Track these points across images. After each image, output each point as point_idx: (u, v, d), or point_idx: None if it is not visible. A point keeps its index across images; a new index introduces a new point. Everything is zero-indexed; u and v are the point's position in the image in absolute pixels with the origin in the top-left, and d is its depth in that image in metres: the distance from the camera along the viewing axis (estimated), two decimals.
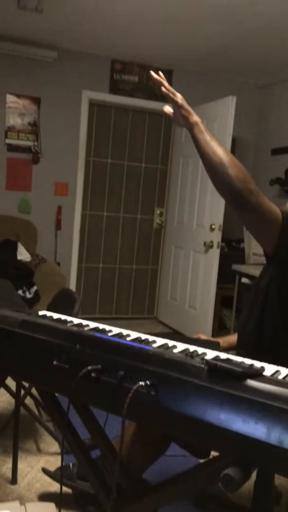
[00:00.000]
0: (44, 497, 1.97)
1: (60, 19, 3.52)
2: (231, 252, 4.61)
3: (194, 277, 4.34)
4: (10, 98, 4.14)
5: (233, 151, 4.71)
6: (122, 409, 1.04)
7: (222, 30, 3.51)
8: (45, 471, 1.96)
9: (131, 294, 4.98)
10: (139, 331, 1.50)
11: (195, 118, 1.52)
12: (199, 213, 4.27)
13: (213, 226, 4.02)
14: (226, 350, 1.78)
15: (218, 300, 4.23)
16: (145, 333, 1.45)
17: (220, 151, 1.43)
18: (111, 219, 4.79)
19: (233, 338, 1.89)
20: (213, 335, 3.94)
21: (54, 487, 2.04)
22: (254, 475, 1.87)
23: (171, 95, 1.52)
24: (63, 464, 2.04)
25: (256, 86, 4.86)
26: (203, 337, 1.83)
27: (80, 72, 4.31)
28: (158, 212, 4.94)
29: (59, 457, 2.26)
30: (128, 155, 4.74)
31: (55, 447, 2.36)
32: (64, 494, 1.90)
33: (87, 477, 1.50)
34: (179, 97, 1.53)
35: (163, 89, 1.53)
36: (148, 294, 5.04)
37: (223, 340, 1.86)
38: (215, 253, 4.03)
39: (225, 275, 4.15)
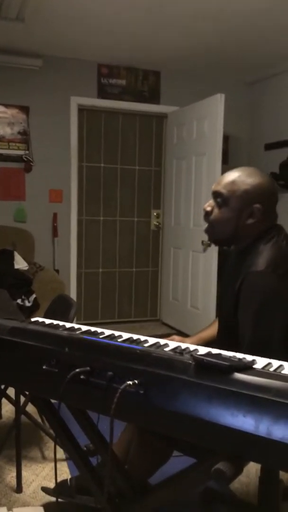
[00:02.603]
0: (49, 506, 1.96)
1: (42, 26, 3.53)
2: (230, 250, 4.59)
3: (194, 276, 4.33)
4: None
5: (226, 148, 4.70)
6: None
7: (206, 28, 3.51)
8: (44, 490, 1.95)
9: (133, 297, 4.97)
10: (142, 333, 1.49)
11: None
12: (195, 213, 4.26)
13: None
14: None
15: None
16: (148, 335, 1.44)
17: None
18: (108, 223, 4.78)
19: (205, 333, 1.86)
20: None
21: None
22: (259, 472, 1.86)
23: None
24: (67, 474, 2.03)
25: (245, 82, 4.85)
26: (176, 338, 1.70)
27: (67, 78, 4.31)
28: (155, 213, 4.93)
29: (64, 463, 2.25)
30: (121, 158, 4.74)
31: (59, 453, 2.35)
32: (69, 504, 1.89)
33: (85, 483, 1.48)
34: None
35: None
36: (150, 296, 5.03)
37: (196, 338, 1.82)
38: (213, 252, 4.02)
39: None
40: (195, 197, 4.28)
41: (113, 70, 4.46)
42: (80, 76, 4.36)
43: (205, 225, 1.63)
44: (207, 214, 1.59)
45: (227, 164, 4.76)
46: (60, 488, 1.83)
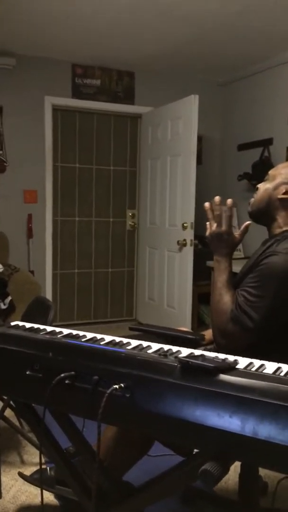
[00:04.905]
0: (28, 509, 1.94)
1: (15, 25, 3.48)
2: (205, 249, 4.64)
3: (170, 276, 4.35)
4: None
5: (200, 149, 4.75)
6: (98, 414, 1.03)
7: (177, 29, 3.54)
8: (21, 475, 1.93)
9: (109, 297, 4.96)
10: (118, 334, 1.49)
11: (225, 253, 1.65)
12: (171, 213, 4.29)
13: (185, 225, 4.04)
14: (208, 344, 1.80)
15: (195, 298, 4.25)
16: (125, 336, 1.44)
17: (216, 299, 1.60)
18: (84, 224, 4.76)
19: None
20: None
21: (39, 498, 2.01)
22: (238, 468, 1.89)
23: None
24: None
25: (218, 83, 4.91)
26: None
27: (41, 78, 4.27)
28: (130, 214, 4.94)
29: (44, 467, 2.23)
30: (96, 158, 4.73)
31: (38, 457, 2.33)
32: (49, 505, 1.88)
33: (68, 482, 1.48)
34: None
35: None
36: (126, 296, 5.03)
37: (207, 333, 1.87)
38: (189, 251, 4.05)
39: (201, 272, 4.17)
40: (170, 197, 4.30)
41: (88, 70, 4.44)
42: (54, 75, 4.33)
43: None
44: (256, 190, 1.75)
45: (201, 164, 4.81)
46: (39, 476, 1.81)
